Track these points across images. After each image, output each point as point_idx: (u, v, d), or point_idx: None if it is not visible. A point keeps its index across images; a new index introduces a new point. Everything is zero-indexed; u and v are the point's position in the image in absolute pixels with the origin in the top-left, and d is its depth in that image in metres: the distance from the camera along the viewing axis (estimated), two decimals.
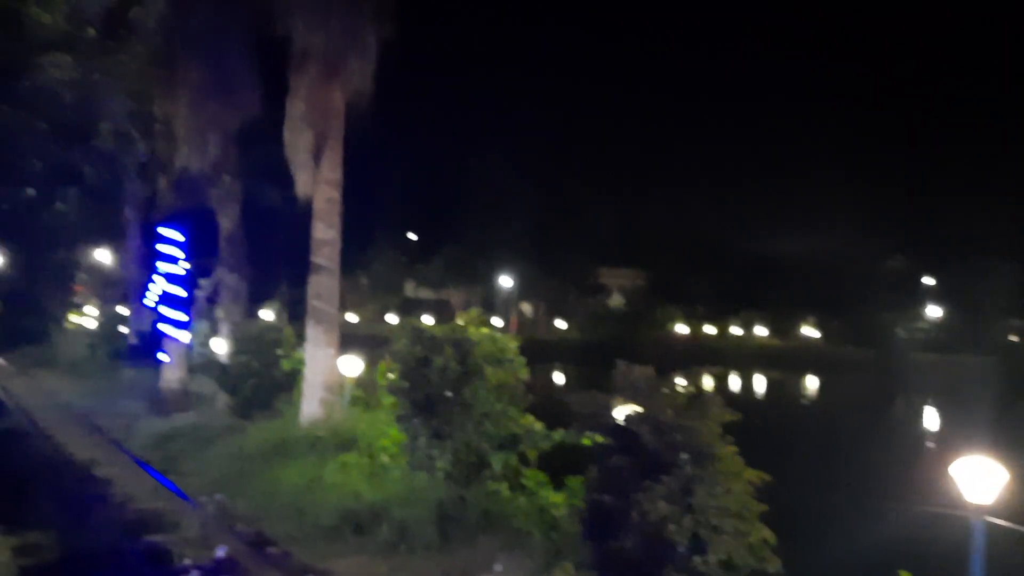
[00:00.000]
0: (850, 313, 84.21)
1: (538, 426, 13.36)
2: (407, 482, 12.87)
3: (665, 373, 10.09)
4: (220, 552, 10.80)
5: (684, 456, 8.59)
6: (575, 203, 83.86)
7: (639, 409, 9.41)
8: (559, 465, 13.22)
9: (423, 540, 11.50)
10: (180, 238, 24.92)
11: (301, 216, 18.13)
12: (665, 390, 9.55)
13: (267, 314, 33.15)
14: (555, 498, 11.87)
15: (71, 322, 32.98)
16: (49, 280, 8.60)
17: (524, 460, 13.21)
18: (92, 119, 7.48)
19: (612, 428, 9.45)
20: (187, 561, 10.69)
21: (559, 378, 53.12)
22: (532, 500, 12.08)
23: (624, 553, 8.67)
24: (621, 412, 9.83)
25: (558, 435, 13.27)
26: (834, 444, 27.06)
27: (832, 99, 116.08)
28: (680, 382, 10.12)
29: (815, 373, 67.07)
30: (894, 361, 68.78)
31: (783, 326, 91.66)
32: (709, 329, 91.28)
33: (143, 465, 15.67)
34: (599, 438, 10.62)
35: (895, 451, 28.13)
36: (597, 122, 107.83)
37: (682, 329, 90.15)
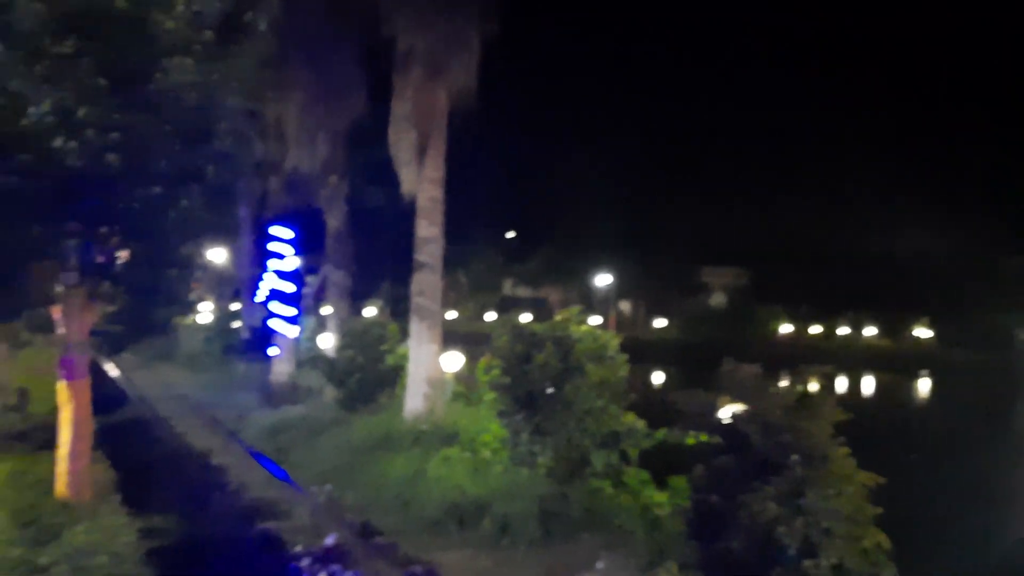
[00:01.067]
0: (966, 314, 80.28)
1: (639, 424, 13.28)
2: (509, 477, 12.99)
3: (770, 373, 9.88)
4: (330, 540, 11.10)
5: (794, 457, 8.40)
6: (676, 200, 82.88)
7: (746, 408, 9.25)
8: (661, 464, 13.11)
9: (525, 535, 11.59)
10: (290, 236, 25.74)
11: (403, 215, 18.47)
12: (773, 389, 9.37)
13: (370, 311, 33.84)
14: (658, 497, 11.78)
15: (189, 318, 34.44)
16: (173, 276, 9.04)
17: (625, 458, 13.15)
18: (212, 120, 7.82)
19: (719, 427, 9.30)
20: (299, 548, 11.03)
21: (658, 377, 52.53)
22: (635, 498, 12.02)
23: (731, 554, 8.54)
24: (727, 411, 9.69)
25: (660, 434, 13.16)
26: (949, 449, 25.94)
27: (950, 89, 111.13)
28: (786, 382, 9.90)
29: (928, 375, 64.33)
30: (1014, 365, 65.32)
31: (894, 326, 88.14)
32: (814, 329, 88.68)
33: (256, 455, 16.26)
34: (704, 437, 10.49)
35: (1012, 457, 26.79)
36: (700, 117, 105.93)
37: (786, 329, 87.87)
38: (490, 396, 15.65)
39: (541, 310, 60.53)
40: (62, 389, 8.27)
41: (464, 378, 18.54)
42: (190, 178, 8.01)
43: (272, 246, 25.89)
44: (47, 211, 7.09)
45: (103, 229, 7.64)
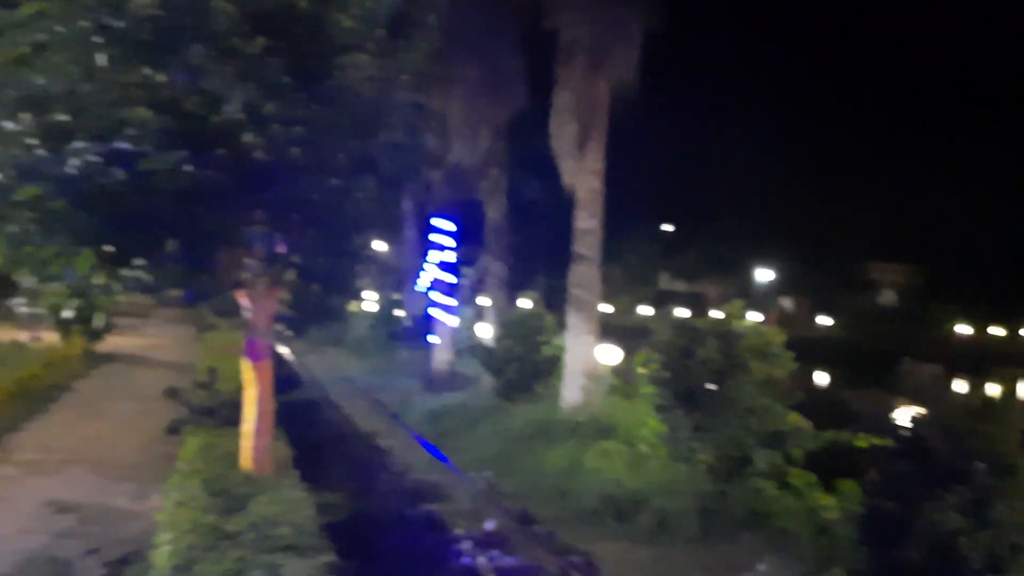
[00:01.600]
0: None
1: (805, 424, 12.80)
2: (667, 472, 12.83)
3: (950, 375, 9.29)
4: (489, 525, 11.36)
5: (980, 465, 7.85)
6: (842, 193, 79.14)
7: (925, 411, 8.74)
8: (828, 466, 12.57)
9: (684, 531, 11.43)
10: (451, 228, 26.43)
11: (560, 207, 18.55)
12: (956, 392, 8.80)
13: (524, 302, 34.26)
14: (825, 500, 11.30)
15: (356, 305, 35.99)
16: (348, 265, 9.50)
17: (789, 459, 12.70)
18: (385, 113, 8.16)
19: (895, 431, 8.82)
20: (459, 531, 11.35)
21: (823, 377, 50.40)
22: (800, 501, 11.59)
23: (906, 564, 8.10)
24: (904, 414, 9.19)
25: (828, 435, 12.65)
26: None
27: None
28: (968, 385, 9.29)
29: None
30: None
31: None
32: (995, 330, 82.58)
33: (419, 439, 16.80)
34: (876, 440, 9.99)
35: None
36: (870, 104, 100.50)
37: (964, 329, 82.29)
38: (648, 390, 15.48)
39: (697, 305, 59.33)
40: (247, 370, 8.77)
41: (622, 371, 18.46)
42: (365, 170, 8.32)
43: (433, 237, 26.67)
44: (237, 202, 7.55)
45: (285, 219, 8.05)
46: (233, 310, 9.28)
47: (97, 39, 7.14)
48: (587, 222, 17.56)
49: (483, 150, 22.09)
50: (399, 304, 34.00)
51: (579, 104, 17.40)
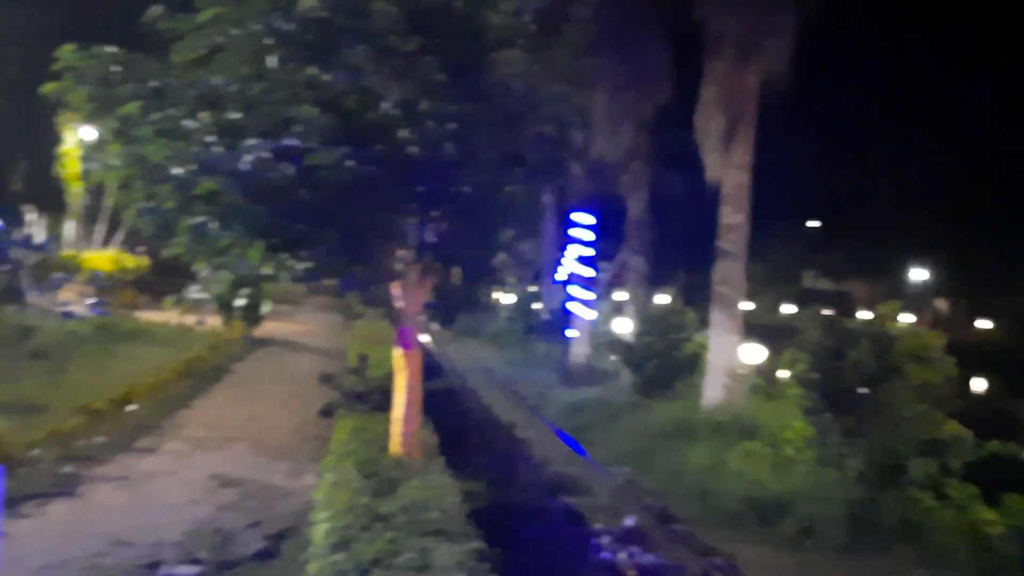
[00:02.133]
0: None
1: (965, 433, 12.14)
2: (814, 477, 12.43)
3: None
4: (629, 521, 11.33)
5: None
6: (1006, 191, 73.97)
7: None
8: (991, 479, 11.87)
9: (831, 539, 11.05)
10: (590, 221, 26.41)
11: (702, 201, 18.24)
12: None
13: (662, 298, 33.89)
14: (988, 515, 10.68)
15: (492, 297, 36.55)
16: (497, 257, 9.74)
17: (945, 469, 12.06)
18: (535, 107, 8.27)
19: None
20: (598, 525, 11.37)
21: (980, 384, 47.39)
22: (960, 514, 10.99)
23: None
24: None
25: (992, 445, 11.96)
26: None
27: None
28: None
29: None
30: None
31: None
32: None
33: (557, 431, 16.91)
34: None
35: None
36: None
37: None
38: (794, 391, 15.04)
39: (843, 304, 56.91)
40: (397, 357, 9.08)
41: (764, 371, 18.00)
42: (515, 163, 8.47)
43: (573, 231, 26.73)
44: (394, 195, 7.82)
45: (437, 212, 8.28)
46: (379, 299, 9.62)
47: (268, 41, 7.56)
48: (732, 217, 17.20)
49: (626, 144, 21.96)
50: (537, 297, 34.27)
51: (726, 97, 17.07)
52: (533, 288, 36.36)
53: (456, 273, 9.05)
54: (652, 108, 21.28)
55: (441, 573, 6.05)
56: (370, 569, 6.10)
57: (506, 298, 37.90)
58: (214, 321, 24.75)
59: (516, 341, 31.91)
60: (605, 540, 10.72)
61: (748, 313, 20.45)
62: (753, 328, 25.74)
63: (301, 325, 30.89)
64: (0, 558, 6.97)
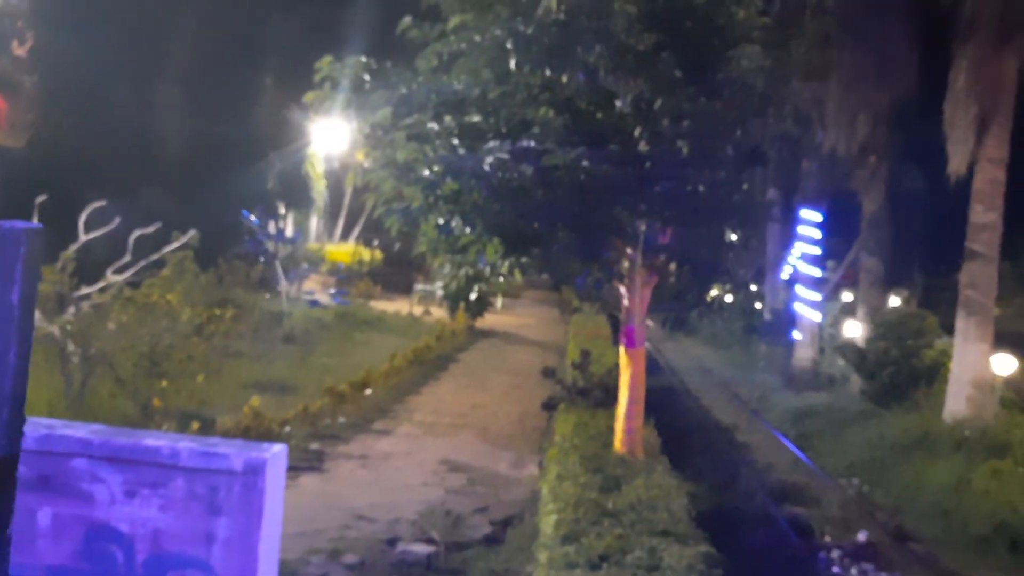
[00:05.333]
0: None
1: None
2: None
3: None
4: (861, 536, 10.75)
5: None
6: None
7: None
8: None
9: None
10: (818, 219, 25.20)
11: (944, 199, 16.92)
12: None
13: (893, 300, 31.77)
14: None
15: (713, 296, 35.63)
16: (731, 256, 9.64)
17: None
18: (775, 103, 7.99)
19: None
20: (828, 539, 10.88)
21: None
22: None
23: None
24: None
25: None
26: None
27: None
28: None
29: None
30: None
31: None
32: None
33: (781, 437, 16.31)
34: None
35: None
36: None
37: None
38: None
39: None
40: (623, 355, 9.13)
41: (1018, 383, 16.41)
42: (754, 161, 8.26)
43: (800, 229, 25.61)
44: (628, 195, 7.87)
45: (670, 212, 8.23)
46: (607, 297, 9.70)
47: (508, 45, 7.83)
48: (985, 216, 15.78)
49: (860, 138, 20.73)
50: (759, 296, 33.14)
51: (980, 85, 15.66)
52: (755, 287, 35.18)
53: (678, 272, 8.94)
54: (891, 99, 19.92)
55: (670, 574, 6.04)
56: (599, 564, 6.19)
57: (726, 297, 36.91)
58: (439, 312, 25.97)
59: (735, 342, 31.03)
60: (835, 554, 10.24)
61: (996, 319, 18.73)
62: (1003, 336, 23.63)
63: (520, 318, 31.71)
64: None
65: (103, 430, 3.29)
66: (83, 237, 11.04)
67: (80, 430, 3.24)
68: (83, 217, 11.22)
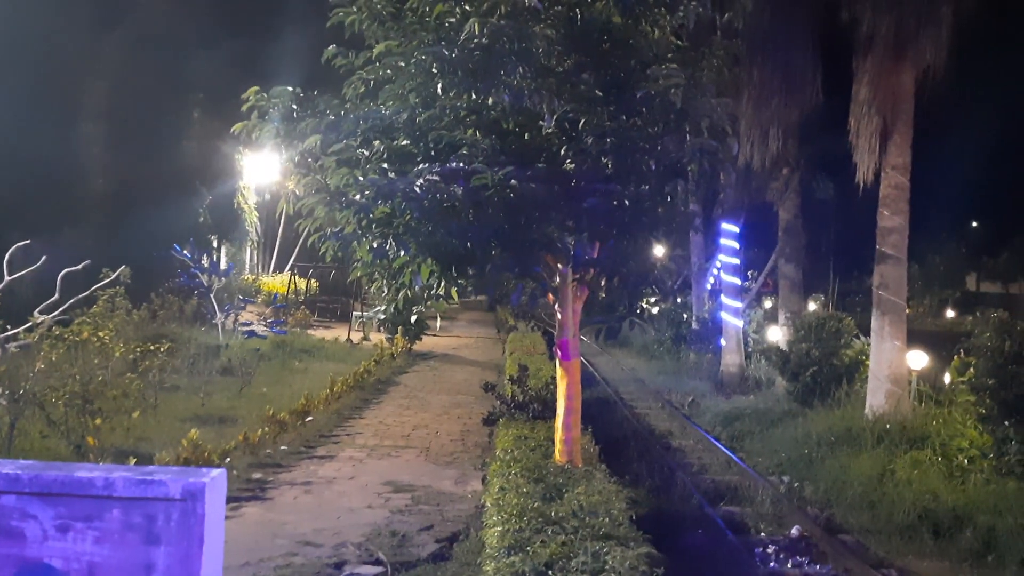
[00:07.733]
0: None
1: None
2: (992, 488, 11.87)
3: None
4: (794, 531, 11.18)
5: None
6: None
7: None
8: None
9: (1017, 554, 10.50)
10: (736, 230, 26.07)
11: (853, 206, 17.72)
12: None
13: (811, 305, 32.84)
14: None
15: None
16: (659, 267, 9.94)
17: None
18: (693, 118, 8.38)
19: None
20: (762, 535, 11.28)
21: None
22: None
23: None
24: None
25: None
26: None
27: None
28: None
29: None
30: None
31: None
32: None
33: (713, 440, 16.79)
34: None
35: None
36: None
37: None
38: (964, 398, 14.42)
39: (1011, 308, 53.22)
40: (559, 368, 9.37)
41: (928, 377, 17.23)
42: (675, 174, 8.62)
43: (722, 241, 26.44)
44: (556, 211, 8.13)
45: (599, 225, 8.51)
46: (540, 313, 9.94)
47: (434, 69, 8.06)
48: (891, 220, 16.61)
49: (774, 151, 21.57)
50: (685, 306, 33.96)
51: (879, 97, 16.54)
52: (680, 297, 36.02)
53: (607, 286, 9.22)
54: (800, 113, 20.78)
55: None
56: (545, 571, 6.37)
57: (653, 308, 37.67)
58: (377, 337, 25.94)
59: (665, 351, 31.71)
60: (770, 549, 10.63)
61: (908, 318, 19.61)
62: (913, 334, 24.70)
63: (458, 339, 31.83)
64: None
65: (33, 465, 3.15)
66: (7, 277, 10.81)
67: (7, 466, 3.09)
68: (6, 257, 11.00)
